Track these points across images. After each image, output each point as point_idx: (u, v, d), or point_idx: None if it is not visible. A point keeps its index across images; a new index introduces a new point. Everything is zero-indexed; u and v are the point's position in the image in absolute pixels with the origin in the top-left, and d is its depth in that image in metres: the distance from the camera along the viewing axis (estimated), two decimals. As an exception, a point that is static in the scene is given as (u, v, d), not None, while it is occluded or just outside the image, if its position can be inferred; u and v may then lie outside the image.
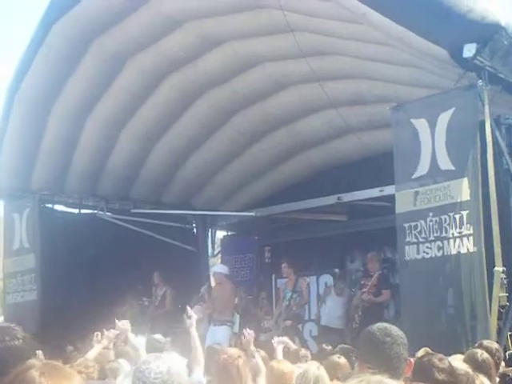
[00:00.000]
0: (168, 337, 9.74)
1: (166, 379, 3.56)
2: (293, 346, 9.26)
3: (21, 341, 3.10)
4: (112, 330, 8.44)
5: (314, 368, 5.55)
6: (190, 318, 7.27)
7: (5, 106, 13.64)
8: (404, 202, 9.78)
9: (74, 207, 15.33)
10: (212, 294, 13.89)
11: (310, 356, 8.79)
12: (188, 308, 7.81)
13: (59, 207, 15.15)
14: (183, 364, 6.39)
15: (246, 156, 15.56)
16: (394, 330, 3.70)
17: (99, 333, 8.26)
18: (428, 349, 6.28)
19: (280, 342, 8.47)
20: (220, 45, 12.76)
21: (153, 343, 8.60)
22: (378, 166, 13.05)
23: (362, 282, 12.88)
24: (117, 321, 6.90)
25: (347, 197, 14.46)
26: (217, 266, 15.11)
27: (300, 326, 13.77)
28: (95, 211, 15.33)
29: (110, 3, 12.02)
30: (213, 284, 15.04)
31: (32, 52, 12.89)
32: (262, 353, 7.93)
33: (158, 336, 9.53)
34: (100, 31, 12.49)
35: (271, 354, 8.12)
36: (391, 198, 11.60)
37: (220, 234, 18.34)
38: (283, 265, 13.84)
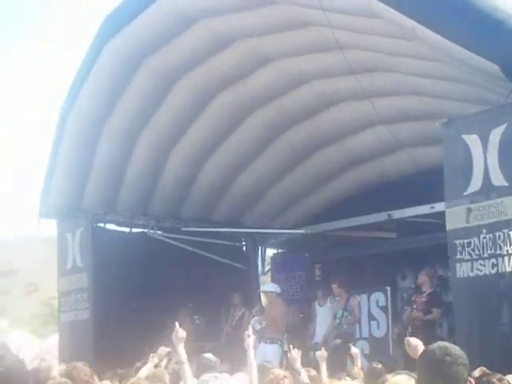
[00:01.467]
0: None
1: None
2: (358, 364, 9.13)
3: (2, 368, 2.98)
4: (163, 347, 8.43)
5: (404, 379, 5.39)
6: (248, 337, 7.22)
7: (58, 126, 13.84)
8: (456, 218, 9.67)
9: (125, 226, 15.44)
10: (264, 313, 13.86)
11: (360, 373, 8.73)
12: (250, 327, 7.75)
13: (111, 226, 15.28)
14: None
15: (296, 173, 15.56)
16: (455, 349, 3.57)
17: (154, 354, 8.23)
18: (484, 368, 6.18)
19: (323, 358, 8.42)
20: (269, 63, 12.82)
21: (204, 362, 8.59)
22: (429, 183, 12.94)
23: (413, 299, 12.78)
24: (177, 325, 6.78)
25: (397, 214, 14.35)
26: (268, 285, 14.98)
27: (351, 344, 13.66)
28: (146, 230, 15.43)
29: (161, 22, 12.17)
30: (263, 302, 14.99)
31: (84, 72, 13.07)
32: (312, 371, 7.89)
33: (208, 355, 9.52)
34: (151, 50, 12.64)
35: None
36: (442, 215, 11.51)
37: (270, 252, 18.32)
38: (334, 285, 13.77)
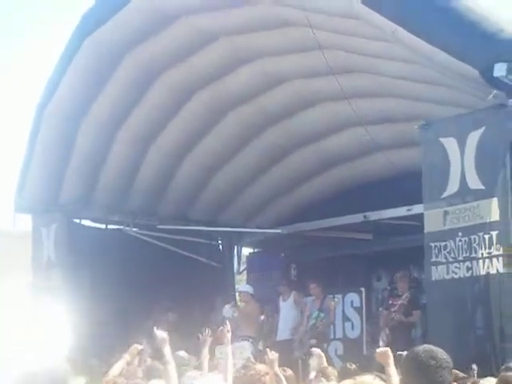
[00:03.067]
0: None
1: None
2: (324, 363, 9.17)
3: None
4: (135, 345, 8.38)
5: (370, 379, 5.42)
6: (228, 332, 7.20)
7: (34, 120, 13.73)
8: (433, 221, 9.72)
9: (101, 222, 15.37)
10: (238, 312, 13.93)
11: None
12: (226, 322, 7.71)
13: (86, 222, 15.19)
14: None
15: (273, 173, 15.55)
16: (440, 352, 3.57)
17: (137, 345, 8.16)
18: (457, 371, 6.20)
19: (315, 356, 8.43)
20: (249, 62, 12.81)
21: (178, 360, 8.56)
22: (405, 185, 12.99)
23: (390, 302, 12.80)
24: (155, 329, 6.79)
25: (374, 215, 14.38)
26: (242, 286, 15.15)
27: (325, 344, 13.68)
28: (122, 227, 15.36)
29: (143, 17, 12.11)
30: (238, 302, 15.05)
31: (63, 66, 12.98)
32: (288, 371, 7.88)
33: (182, 353, 9.49)
34: (132, 45, 12.60)
35: (295, 372, 8.07)
36: (417, 217, 11.55)
37: (246, 251, 18.31)
38: (312, 285, 13.77)
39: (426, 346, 3.61)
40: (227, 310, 14.15)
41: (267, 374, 5.42)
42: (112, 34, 12.45)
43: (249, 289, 14.33)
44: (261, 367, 5.65)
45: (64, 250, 14.14)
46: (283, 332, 14.01)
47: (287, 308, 14.20)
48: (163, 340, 6.60)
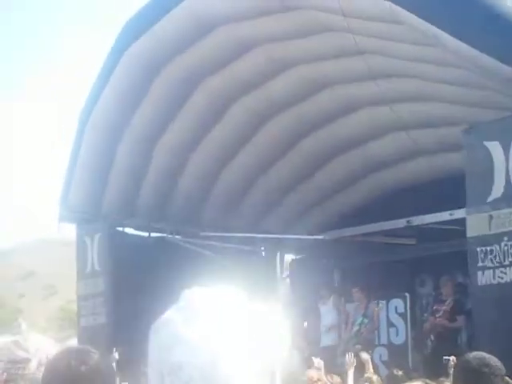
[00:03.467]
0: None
1: None
2: (370, 369, 9.10)
3: (87, 367, 2.71)
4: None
5: None
6: None
7: (77, 131, 13.88)
8: (477, 225, 9.62)
9: (143, 231, 15.46)
10: None
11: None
12: None
13: (129, 230, 15.29)
14: None
15: (316, 178, 15.53)
16: (492, 360, 3.49)
17: None
18: (508, 378, 6.10)
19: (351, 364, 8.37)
20: (289, 68, 12.81)
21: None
22: (449, 189, 12.89)
23: (435, 308, 12.71)
24: None
25: (417, 220, 14.28)
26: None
27: (370, 350, 13.62)
28: (165, 234, 15.43)
29: (180, 28, 12.18)
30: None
31: (103, 80, 13.11)
32: (336, 378, 7.85)
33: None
34: (170, 57, 12.65)
35: (342, 379, 8.03)
36: (460, 222, 11.44)
37: (289, 257, 18.28)
38: (355, 290, 13.75)
39: (478, 353, 3.52)
40: None
41: (319, 380, 5.41)
42: (150, 45, 12.54)
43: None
44: (313, 373, 5.64)
45: (107, 259, 14.24)
46: (326, 338, 13.99)
47: (327, 311, 14.20)
48: None
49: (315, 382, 5.31)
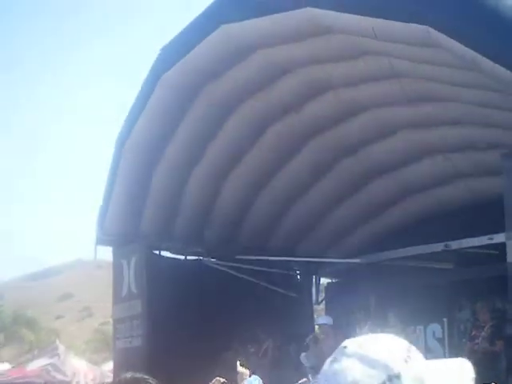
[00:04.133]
0: None
1: None
2: None
3: None
4: (218, 378, 8.39)
5: None
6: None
7: (114, 154, 13.98)
8: (517, 250, 9.50)
9: (180, 253, 15.51)
10: (321, 346, 13.87)
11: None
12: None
13: (166, 253, 15.34)
14: None
15: (352, 202, 15.48)
16: None
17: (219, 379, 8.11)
18: None
19: None
20: (325, 92, 12.81)
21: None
22: (487, 213, 12.76)
23: (473, 334, 12.55)
24: (238, 364, 6.80)
25: (455, 244, 14.14)
26: (321, 318, 14.94)
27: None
28: (200, 257, 15.46)
29: (216, 53, 12.23)
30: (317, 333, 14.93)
31: (141, 103, 13.20)
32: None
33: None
34: (207, 80, 12.71)
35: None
36: (500, 246, 11.29)
37: (324, 281, 18.21)
38: (390, 314, 13.62)
39: None
40: (303, 358, 14.05)
41: None
42: (186, 71, 12.61)
43: (328, 320, 14.14)
44: None
45: (144, 282, 14.28)
46: None
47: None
48: (242, 374, 6.59)
49: None
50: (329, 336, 13.67)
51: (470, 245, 13.83)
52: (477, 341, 12.22)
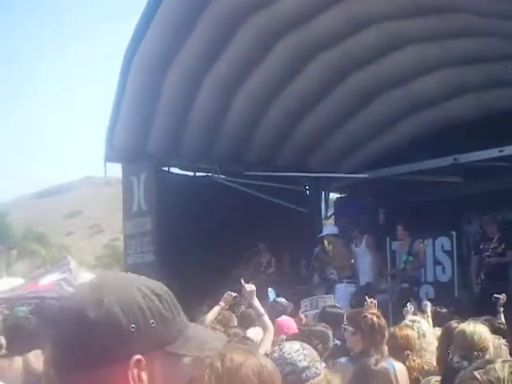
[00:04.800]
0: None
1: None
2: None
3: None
4: (229, 292, 8.49)
5: (472, 325, 5.36)
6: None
7: (122, 70, 13.84)
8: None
9: (189, 170, 15.53)
10: (331, 254, 14.21)
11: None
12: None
13: (175, 170, 15.37)
14: None
15: (360, 117, 15.40)
16: None
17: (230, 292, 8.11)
18: None
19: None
20: (334, 5, 12.60)
21: (276, 306, 8.63)
22: (497, 126, 12.71)
23: (482, 247, 12.66)
24: (243, 282, 6.83)
25: (463, 158, 14.11)
26: (325, 228, 15.16)
27: (416, 288, 13.65)
28: (209, 174, 15.48)
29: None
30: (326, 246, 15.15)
31: (149, 15, 13.00)
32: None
33: (281, 299, 9.58)
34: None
35: (385, 315, 8.06)
36: (510, 159, 11.27)
37: (333, 196, 18.27)
38: (398, 227, 13.73)
39: None
40: (316, 251, 14.40)
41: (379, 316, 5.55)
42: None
43: (332, 230, 14.54)
44: (374, 311, 5.79)
45: (153, 199, 14.35)
46: (364, 276, 14.05)
47: (361, 254, 14.23)
48: (251, 293, 6.60)
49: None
50: (335, 244, 14.06)
51: (480, 158, 13.80)
52: (487, 253, 12.32)
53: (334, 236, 14.41)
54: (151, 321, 1.71)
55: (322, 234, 14.70)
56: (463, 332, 5.27)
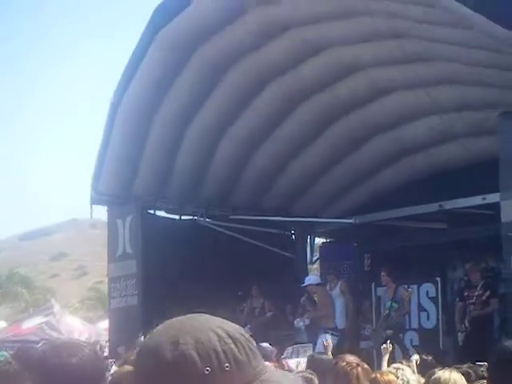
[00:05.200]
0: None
1: None
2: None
3: (77, 359, 2.87)
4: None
5: (447, 373, 5.35)
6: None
7: (109, 113, 13.93)
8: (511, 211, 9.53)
9: (174, 213, 15.53)
10: (317, 304, 14.18)
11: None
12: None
13: (160, 213, 15.37)
14: None
15: (346, 162, 15.46)
16: None
17: None
18: None
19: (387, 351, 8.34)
20: (322, 51, 12.72)
21: (261, 352, 8.56)
22: (481, 174, 12.78)
23: (466, 294, 12.67)
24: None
25: (449, 204, 14.18)
26: (307, 279, 14.96)
27: (401, 335, 13.60)
28: (195, 217, 15.48)
29: (210, 12, 12.14)
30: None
31: (135, 62, 13.12)
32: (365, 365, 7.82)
33: (265, 344, 9.52)
34: (202, 41, 12.62)
35: (370, 362, 8.01)
36: (493, 206, 11.33)
37: (319, 241, 18.27)
38: (382, 273, 13.73)
39: None
40: (298, 322, 14.32)
41: (358, 365, 5.39)
42: (182, 27, 12.52)
43: (313, 280, 14.44)
44: (351, 358, 5.62)
45: (139, 241, 14.31)
46: (337, 320, 14.04)
47: (335, 297, 14.20)
48: None
49: (354, 367, 5.31)
50: (318, 294, 14.03)
51: (464, 205, 13.87)
52: (471, 301, 12.31)
53: (316, 285, 14.33)
54: (226, 364, 1.68)
55: (305, 284, 14.51)
56: (438, 379, 5.28)
